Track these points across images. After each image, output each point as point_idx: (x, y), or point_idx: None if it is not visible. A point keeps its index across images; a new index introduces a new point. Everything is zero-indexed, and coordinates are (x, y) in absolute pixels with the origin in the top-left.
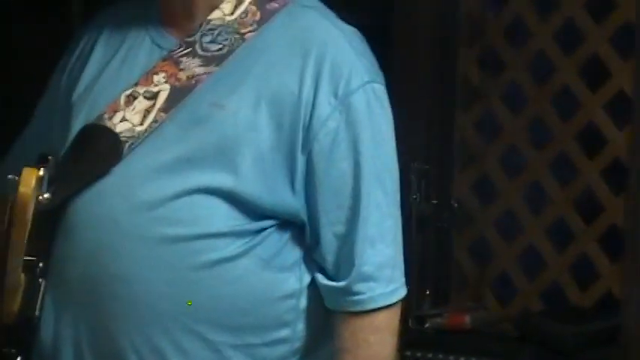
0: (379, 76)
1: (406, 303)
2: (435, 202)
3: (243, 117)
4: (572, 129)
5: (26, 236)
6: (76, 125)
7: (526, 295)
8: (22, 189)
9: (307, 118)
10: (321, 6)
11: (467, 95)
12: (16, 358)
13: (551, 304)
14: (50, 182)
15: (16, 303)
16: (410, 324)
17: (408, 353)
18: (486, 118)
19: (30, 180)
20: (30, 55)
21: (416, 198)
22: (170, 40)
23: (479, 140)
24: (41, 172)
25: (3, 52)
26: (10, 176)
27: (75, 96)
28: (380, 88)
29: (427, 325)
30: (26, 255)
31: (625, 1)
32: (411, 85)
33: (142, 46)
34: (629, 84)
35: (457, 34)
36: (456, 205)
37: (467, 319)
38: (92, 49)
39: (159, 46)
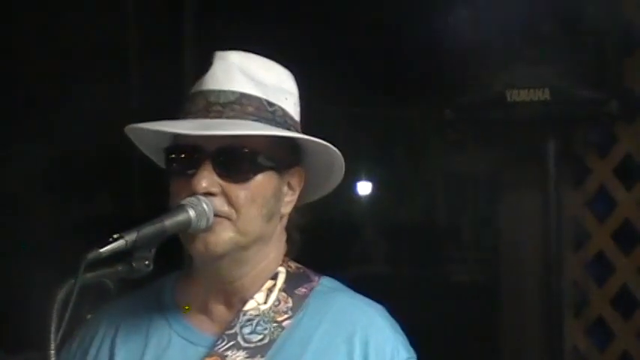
0: (412, 351)
1: None
2: None
3: None
4: None
5: None
6: None
7: None
8: None
9: None
10: (342, 285)
11: None
12: None
13: None
14: None
15: None
16: None
17: None
18: None
19: None
20: None
21: None
22: (196, 333)
23: None
24: None
25: None
26: None
27: None
28: None
29: None
30: None
31: None
32: None
33: (170, 344)
34: None
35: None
36: None
37: None
38: (111, 351)
39: (189, 341)
